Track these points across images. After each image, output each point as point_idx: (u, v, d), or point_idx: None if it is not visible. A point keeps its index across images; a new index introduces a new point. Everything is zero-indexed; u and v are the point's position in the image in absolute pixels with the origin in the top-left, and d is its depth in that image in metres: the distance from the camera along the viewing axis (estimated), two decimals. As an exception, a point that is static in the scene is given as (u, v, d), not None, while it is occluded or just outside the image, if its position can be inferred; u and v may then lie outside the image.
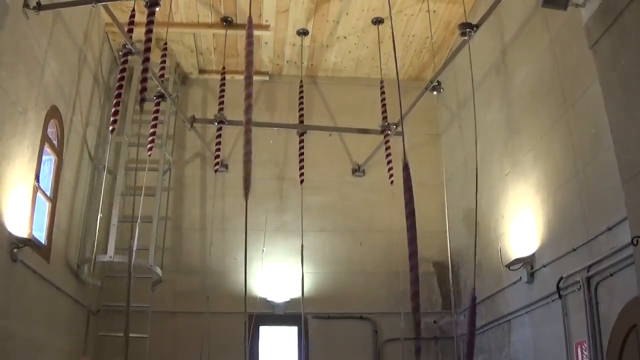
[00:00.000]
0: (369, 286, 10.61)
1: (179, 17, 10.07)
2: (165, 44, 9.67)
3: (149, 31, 7.78)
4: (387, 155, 10.20)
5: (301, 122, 10.56)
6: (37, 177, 7.38)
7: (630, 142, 5.37)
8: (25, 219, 7.03)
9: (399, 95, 6.33)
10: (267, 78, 11.85)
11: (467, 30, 7.56)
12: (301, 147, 10.39)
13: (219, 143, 10.30)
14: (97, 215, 8.45)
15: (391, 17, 8.37)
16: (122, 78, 8.15)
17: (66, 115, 8.51)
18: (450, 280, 9.73)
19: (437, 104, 11.72)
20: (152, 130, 9.20)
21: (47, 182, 8.04)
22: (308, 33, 10.63)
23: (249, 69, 5.70)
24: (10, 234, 6.60)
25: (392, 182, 9.80)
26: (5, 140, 6.51)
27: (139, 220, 8.69)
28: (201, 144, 11.11)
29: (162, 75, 9.45)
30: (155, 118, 9.23)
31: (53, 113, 7.96)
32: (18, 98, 6.82)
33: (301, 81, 10.85)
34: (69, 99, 8.65)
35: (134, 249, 7.91)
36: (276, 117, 11.31)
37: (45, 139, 7.69)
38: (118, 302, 9.18)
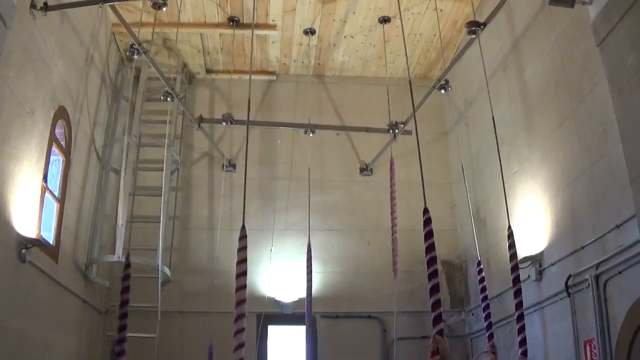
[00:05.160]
0: (377, 285, 10.58)
1: (186, 17, 10.09)
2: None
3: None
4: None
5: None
6: (45, 178, 7.40)
7: (638, 140, 5.35)
8: (34, 219, 7.05)
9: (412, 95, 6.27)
10: (274, 77, 11.86)
11: (475, 28, 7.55)
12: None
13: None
14: (106, 215, 8.48)
15: (401, 16, 8.37)
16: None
17: (74, 115, 8.53)
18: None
19: (445, 103, 11.71)
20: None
21: (55, 183, 8.06)
22: (315, 32, 10.62)
23: None
24: (18, 234, 6.61)
25: None
26: (13, 141, 6.53)
27: (162, 220, 8.75)
28: (209, 143, 11.12)
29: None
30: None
31: (61, 113, 7.98)
32: (26, 98, 6.84)
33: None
34: (77, 100, 8.67)
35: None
36: (283, 117, 11.30)
37: (52, 139, 7.70)
38: (126, 302, 9.20)
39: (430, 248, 5.20)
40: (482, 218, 9.82)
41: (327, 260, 10.80)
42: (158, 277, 8.48)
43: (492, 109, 7.72)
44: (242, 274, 4.91)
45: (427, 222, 5.36)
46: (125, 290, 6.63)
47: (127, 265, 6.65)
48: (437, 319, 4.86)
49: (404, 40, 7.78)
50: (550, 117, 7.68)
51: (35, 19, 6.98)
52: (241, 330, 4.72)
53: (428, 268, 5.11)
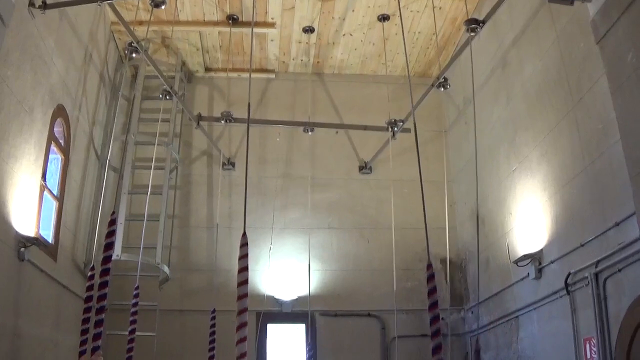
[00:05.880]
0: (376, 283, 10.59)
1: (185, 16, 10.07)
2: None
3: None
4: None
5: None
6: (43, 176, 7.39)
7: (638, 137, 5.34)
8: (32, 218, 7.05)
9: (411, 93, 6.25)
10: (273, 76, 11.84)
11: (473, 26, 7.53)
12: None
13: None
14: (105, 213, 8.45)
15: (401, 14, 8.36)
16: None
17: (72, 113, 8.52)
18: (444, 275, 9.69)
19: (444, 101, 11.70)
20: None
21: (53, 181, 8.05)
22: (314, 30, 10.61)
23: None
24: (17, 233, 6.61)
25: None
26: (11, 139, 6.52)
27: (147, 219, 8.70)
28: (207, 142, 11.10)
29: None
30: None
31: (59, 112, 7.97)
32: (24, 97, 6.83)
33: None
34: (75, 98, 8.66)
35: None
36: (282, 115, 11.30)
37: (51, 137, 7.70)
38: (125, 300, 9.19)
39: (434, 305, 4.94)
40: (481, 216, 9.82)
41: (326, 259, 10.79)
42: (136, 273, 8.41)
43: (474, 114, 7.71)
44: (244, 282, 4.69)
45: (431, 278, 5.02)
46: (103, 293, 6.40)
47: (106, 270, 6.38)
48: (438, 348, 4.73)
49: (404, 38, 7.76)
50: (550, 114, 7.67)
51: (33, 18, 6.97)
52: (243, 339, 4.57)
53: (431, 326, 4.91)
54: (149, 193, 8.77)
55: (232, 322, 4.56)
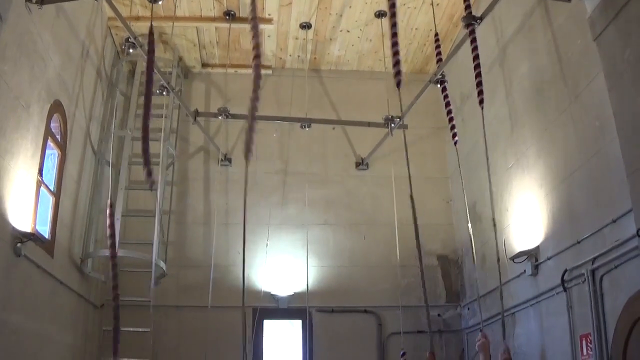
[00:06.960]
0: (373, 280, 10.60)
1: (182, 11, 10.05)
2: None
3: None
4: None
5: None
6: (40, 172, 7.38)
7: (635, 134, 5.36)
8: (29, 213, 7.03)
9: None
10: (270, 72, 11.82)
11: (471, 22, 7.53)
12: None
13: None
14: (102, 209, 8.45)
15: (385, 10, 8.34)
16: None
17: (69, 109, 8.50)
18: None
19: (441, 97, 11.68)
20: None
21: (50, 177, 8.03)
22: (311, 26, 10.60)
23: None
24: (13, 228, 6.60)
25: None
26: (8, 135, 6.51)
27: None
28: (204, 137, 11.09)
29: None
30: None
31: (56, 107, 7.95)
32: (21, 92, 6.82)
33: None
34: (72, 94, 8.64)
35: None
36: (279, 111, 11.29)
37: (48, 133, 7.68)
38: (122, 296, 9.18)
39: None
40: (478, 213, 9.83)
41: (322, 255, 10.79)
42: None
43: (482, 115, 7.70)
44: None
45: None
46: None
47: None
48: None
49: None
50: (546, 111, 7.68)
51: (30, 13, 6.95)
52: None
53: None
54: (159, 189, 8.76)
55: (229, 319, 4.58)
